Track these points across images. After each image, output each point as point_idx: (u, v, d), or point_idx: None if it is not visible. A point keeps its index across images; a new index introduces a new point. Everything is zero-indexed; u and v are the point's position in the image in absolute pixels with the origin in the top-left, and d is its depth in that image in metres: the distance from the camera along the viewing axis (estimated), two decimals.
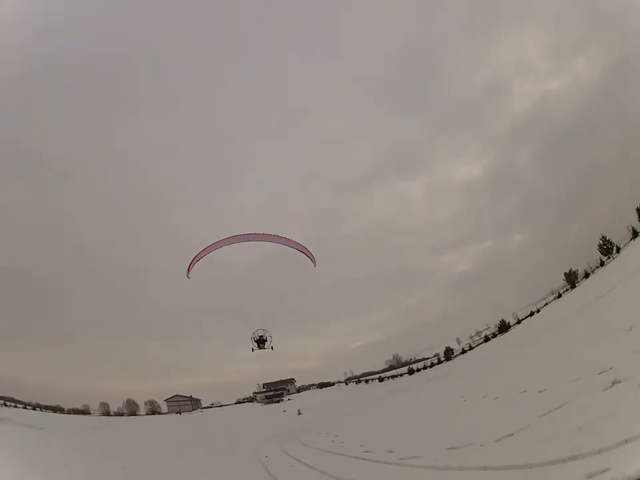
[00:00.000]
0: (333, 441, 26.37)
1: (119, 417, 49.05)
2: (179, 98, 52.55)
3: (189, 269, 26.47)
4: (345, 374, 61.86)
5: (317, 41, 54.06)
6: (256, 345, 27.04)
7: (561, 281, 49.01)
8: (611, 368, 15.07)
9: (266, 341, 27.07)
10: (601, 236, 45.93)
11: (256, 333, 26.99)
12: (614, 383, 13.36)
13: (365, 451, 19.69)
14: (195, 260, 26.10)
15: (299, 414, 52.69)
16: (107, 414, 48.72)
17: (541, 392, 18.12)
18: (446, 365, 55.72)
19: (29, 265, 47.97)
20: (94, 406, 48.64)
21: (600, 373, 15.29)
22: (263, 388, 60.65)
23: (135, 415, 49.98)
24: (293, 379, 61.40)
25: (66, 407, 47.24)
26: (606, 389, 13.37)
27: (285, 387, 61.08)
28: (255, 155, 55.86)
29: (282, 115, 55.38)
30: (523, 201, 55.82)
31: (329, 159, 57.12)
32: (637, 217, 42.90)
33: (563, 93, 51.92)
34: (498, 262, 56.00)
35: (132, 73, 50.34)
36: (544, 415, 14.44)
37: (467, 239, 58.23)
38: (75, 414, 47.55)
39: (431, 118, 56.68)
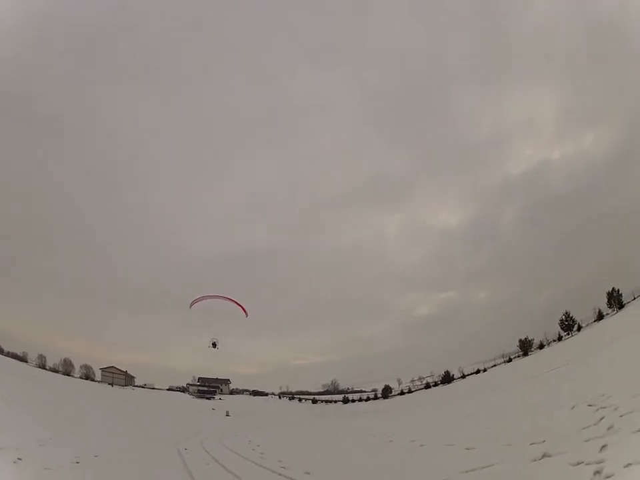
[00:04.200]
0: (253, 450, 25.67)
1: (54, 373, 49.77)
2: (181, 87, 52.93)
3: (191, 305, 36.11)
4: (281, 387, 62.76)
5: (325, 55, 57.07)
6: (212, 346, 38.63)
7: (514, 346, 49.05)
8: (544, 441, 14.56)
9: (217, 344, 38.58)
10: (564, 311, 46.09)
11: (211, 339, 38.48)
12: (544, 455, 12.83)
13: (282, 467, 18.98)
14: (195, 302, 35.81)
15: (227, 415, 51.84)
16: (43, 367, 49.26)
17: (468, 449, 17.40)
18: (382, 402, 55.45)
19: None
20: (32, 356, 49.49)
21: (532, 444, 14.74)
22: (198, 381, 60.22)
23: (69, 375, 50.65)
24: (228, 379, 61.41)
25: (6, 349, 47.56)
26: (534, 460, 12.81)
27: (219, 385, 60.78)
28: (244, 154, 58.43)
29: (276, 121, 57.49)
30: (496, 260, 57.35)
31: (313, 172, 59.90)
32: (606, 300, 42.96)
33: (564, 162, 53.34)
34: (457, 313, 57.88)
35: (137, 52, 51.57)
36: (466, 472, 13.78)
37: (432, 285, 61.01)
38: (13, 358, 48.24)
39: (424, 157, 59.51)
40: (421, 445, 21.09)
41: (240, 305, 36.44)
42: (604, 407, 15.19)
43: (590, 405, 16.45)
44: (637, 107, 45.48)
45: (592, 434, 13.08)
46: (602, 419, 14.06)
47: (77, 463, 18.44)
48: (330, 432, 36.39)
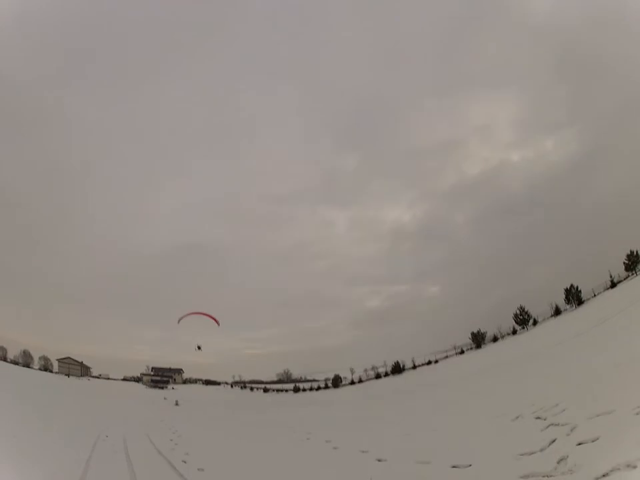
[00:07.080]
0: (171, 440, 24.68)
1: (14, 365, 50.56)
2: (132, 89, 50.65)
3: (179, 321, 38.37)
4: (234, 377, 62.56)
5: (277, 62, 54.90)
6: (197, 348, 41.05)
7: (466, 338, 48.53)
8: (469, 465, 10.80)
9: (201, 347, 41.52)
10: (519, 306, 45.43)
11: (197, 343, 41.40)
12: None
13: (183, 460, 17.83)
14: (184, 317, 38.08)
15: (177, 404, 51.31)
16: (4, 359, 49.93)
17: (379, 460, 14.20)
18: (329, 393, 55.76)
19: None
20: None
21: (454, 467, 11.12)
22: (151, 371, 60.29)
23: (29, 367, 51.71)
24: (181, 369, 61.44)
25: None
26: None
27: (172, 375, 60.88)
28: (191, 153, 55.97)
29: (224, 120, 55.16)
30: (448, 257, 55.47)
31: (260, 169, 57.10)
32: (564, 296, 42.41)
33: (522, 165, 51.76)
34: (409, 307, 56.78)
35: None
36: None
37: (382, 279, 59.11)
38: None
39: (376, 157, 57.85)
40: (334, 448, 18.40)
41: (214, 319, 39.38)
42: (556, 425, 10.91)
43: (538, 418, 12.26)
44: (600, 115, 44.96)
45: (534, 466, 8.79)
46: (552, 442, 9.77)
47: None
48: (256, 424, 34.79)
